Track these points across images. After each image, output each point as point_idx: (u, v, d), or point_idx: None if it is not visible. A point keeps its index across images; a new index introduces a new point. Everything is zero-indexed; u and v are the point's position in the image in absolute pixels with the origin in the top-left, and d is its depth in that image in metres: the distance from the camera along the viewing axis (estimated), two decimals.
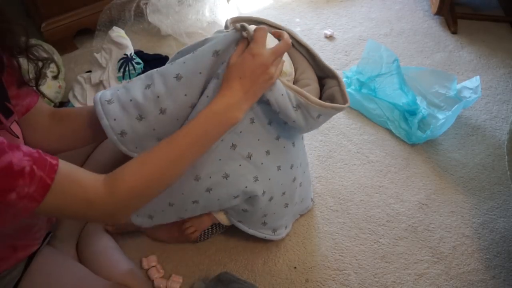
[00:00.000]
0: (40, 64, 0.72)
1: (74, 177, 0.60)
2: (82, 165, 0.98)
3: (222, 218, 0.97)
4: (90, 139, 0.86)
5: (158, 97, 0.74)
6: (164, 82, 0.75)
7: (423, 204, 1.18)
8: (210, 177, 0.81)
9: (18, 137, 0.68)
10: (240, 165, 0.83)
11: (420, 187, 1.22)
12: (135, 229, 1.06)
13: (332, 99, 0.81)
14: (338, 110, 0.79)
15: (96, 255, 0.95)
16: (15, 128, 0.68)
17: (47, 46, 1.39)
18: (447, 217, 1.15)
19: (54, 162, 0.58)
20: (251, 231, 0.97)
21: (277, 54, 0.71)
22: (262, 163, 0.84)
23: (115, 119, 0.74)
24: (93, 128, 0.81)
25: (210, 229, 1.03)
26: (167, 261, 1.03)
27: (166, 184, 0.68)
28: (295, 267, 1.04)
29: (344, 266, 1.05)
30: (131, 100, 0.74)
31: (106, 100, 0.75)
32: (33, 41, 0.74)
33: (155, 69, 0.77)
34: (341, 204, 1.18)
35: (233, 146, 0.81)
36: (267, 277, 1.01)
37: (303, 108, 0.76)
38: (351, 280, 1.03)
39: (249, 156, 0.83)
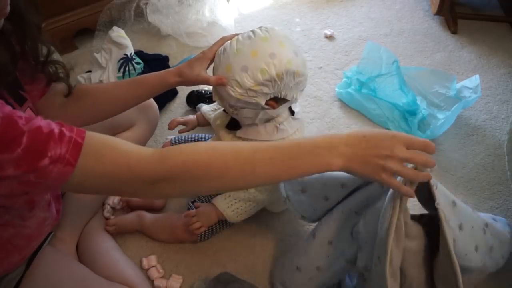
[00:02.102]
0: (54, 78, 0.76)
1: (110, 141, 0.58)
2: None
3: (229, 215, 0.96)
4: (110, 114, 0.91)
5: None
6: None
7: None
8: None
9: None
10: None
11: None
12: (135, 229, 1.07)
13: None
14: None
15: (97, 255, 0.95)
16: (29, 114, 0.70)
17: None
18: None
19: (81, 129, 0.56)
20: None
21: (408, 160, 0.61)
22: None
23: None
24: (112, 103, 0.88)
25: (212, 227, 1.02)
26: (167, 261, 1.03)
27: (218, 186, 0.63)
28: None
29: None
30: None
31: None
32: (54, 56, 0.77)
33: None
34: None
35: None
36: (267, 277, 1.01)
37: None
38: None
39: None
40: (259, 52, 0.77)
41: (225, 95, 0.82)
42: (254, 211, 0.99)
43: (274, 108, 0.83)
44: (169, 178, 0.58)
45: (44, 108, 0.79)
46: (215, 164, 0.59)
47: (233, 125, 0.92)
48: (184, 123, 1.12)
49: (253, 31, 0.81)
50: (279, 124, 0.90)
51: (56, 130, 0.53)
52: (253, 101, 0.80)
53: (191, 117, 1.14)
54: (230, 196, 0.95)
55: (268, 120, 0.89)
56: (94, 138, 0.56)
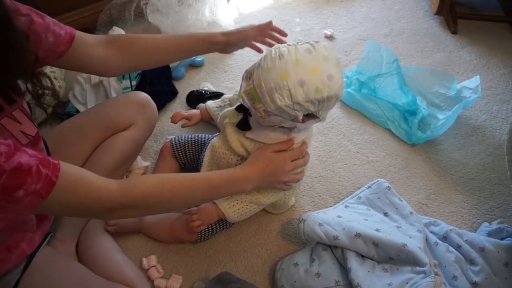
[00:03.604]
0: (40, 91, 0.74)
1: (82, 177, 0.66)
2: (82, 165, 0.98)
3: (230, 215, 0.96)
4: (156, 64, 0.99)
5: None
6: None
7: (423, 204, 1.18)
8: None
9: (20, 123, 0.71)
10: None
11: (420, 187, 1.22)
12: (135, 229, 1.06)
13: None
14: None
15: (96, 255, 0.95)
16: (19, 114, 0.71)
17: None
18: (447, 217, 1.15)
19: (56, 162, 0.61)
20: None
21: (295, 169, 0.91)
22: None
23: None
24: (161, 53, 0.95)
25: (212, 227, 1.03)
26: (167, 261, 1.03)
27: (168, 208, 0.85)
28: None
29: None
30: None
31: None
32: (44, 69, 0.78)
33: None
34: None
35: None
36: (267, 277, 1.01)
37: None
38: None
39: None
40: (319, 70, 0.75)
41: (267, 100, 0.78)
42: (254, 213, 0.99)
43: (303, 122, 0.82)
44: (129, 206, 0.71)
45: (82, 64, 0.86)
46: (164, 195, 0.75)
47: (244, 125, 0.91)
48: (188, 118, 1.12)
49: (312, 45, 0.78)
50: (290, 131, 0.90)
51: (34, 168, 0.57)
52: (293, 114, 0.78)
53: (195, 111, 1.14)
54: (232, 196, 0.96)
55: (282, 127, 0.88)
56: (68, 173, 0.62)
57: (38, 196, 0.58)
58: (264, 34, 1.04)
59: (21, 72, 0.67)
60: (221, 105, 1.10)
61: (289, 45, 0.79)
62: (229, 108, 1.00)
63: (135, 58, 0.94)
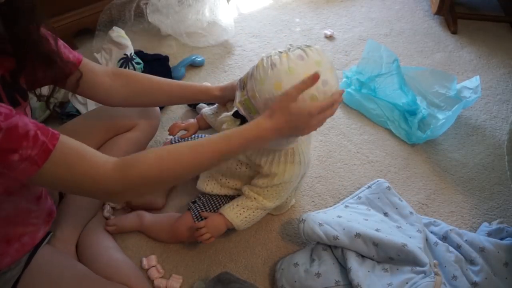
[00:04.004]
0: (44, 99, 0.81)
1: (80, 151, 0.64)
2: None
3: (238, 224, 0.95)
4: (153, 104, 1.06)
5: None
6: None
7: (423, 204, 1.18)
8: None
9: None
10: None
11: (420, 187, 1.22)
12: (135, 229, 1.06)
13: None
14: None
15: (96, 255, 0.95)
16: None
17: None
18: (447, 217, 1.15)
19: (55, 132, 0.62)
20: None
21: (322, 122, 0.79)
22: None
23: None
24: (161, 95, 0.99)
25: None
26: (167, 261, 1.03)
27: (174, 182, 0.80)
28: None
29: None
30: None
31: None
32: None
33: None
34: None
35: None
36: (267, 277, 1.01)
37: None
38: None
39: None
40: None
41: (261, 109, 0.78)
42: (260, 218, 0.99)
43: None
44: (129, 189, 0.68)
45: (88, 88, 0.88)
46: (165, 173, 0.69)
47: None
48: (185, 128, 1.10)
49: (304, 50, 0.77)
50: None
51: (32, 132, 0.57)
52: None
53: (192, 121, 1.12)
54: (238, 205, 0.95)
55: None
56: (66, 145, 0.62)
57: (33, 163, 0.58)
58: None
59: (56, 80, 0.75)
60: (217, 111, 1.09)
61: (281, 52, 0.78)
62: (226, 114, 1.00)
63: (137, 94, 0.97)
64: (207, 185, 1.03)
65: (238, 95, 0.83)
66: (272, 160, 0.90)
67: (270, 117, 0.74)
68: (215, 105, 1.11)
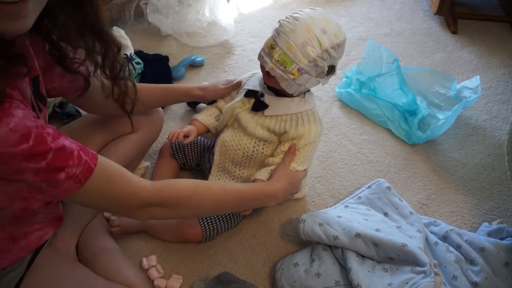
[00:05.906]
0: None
1: (117, 168, 0.69)
2: None
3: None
4: (143, 111, 1.06)
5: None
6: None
7: (423, 204, 1.18)
8: None
9: None
10: None
11: (420, 187, 1.22)
12: (139, 229, 1.06)
13: None
14: None
15: (97, 255, 0.95)
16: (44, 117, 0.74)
17: None
18: (447, 217, 1.15)
19: (94, 152, 0.66)
20: None
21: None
22: None
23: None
24: (149, 102, 1.03)
25: (217, 227, 1.02)
26: (167, 261, 1.03)
27: (197, 213, 0.87)
28: None
29: None
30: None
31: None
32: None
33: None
34: None
35: None
36: (267, 277, 1.01)
37: None
38: None
39: None
40: (329, 21, 0.88)
41: (300, 57, 0.86)
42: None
43: (323, 77, 0.92)
44: (161, 204, 0.74)
45: (88, 100, 0.89)
46: (195, 199, 0.79)
47: (261, 106, 0.96)
48: (186, 135, 1.05)
49: (309, 9, 0.90)
50: (305, 96, 0.97)
51: (76, 152, 0.61)
52: (321, 65, 0.87)
53: (190, 127, 1.07)
54: (268, 172, 0.97)
55: (299, 94, 0.96)
56: (106, 164, 0.67)
57: (77, 181, 0.61)
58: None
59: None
60: (212, 113, 1.09)
61: (293, 13, 0.89)
62: (234, 101, 1.00)
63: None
64: (219, 180, 1.03)
65: (267, 60, 0.89)
66: (297, 122, 0.95)
67: (275, 181, 0.91)
68: (205, 109, 1.11)
